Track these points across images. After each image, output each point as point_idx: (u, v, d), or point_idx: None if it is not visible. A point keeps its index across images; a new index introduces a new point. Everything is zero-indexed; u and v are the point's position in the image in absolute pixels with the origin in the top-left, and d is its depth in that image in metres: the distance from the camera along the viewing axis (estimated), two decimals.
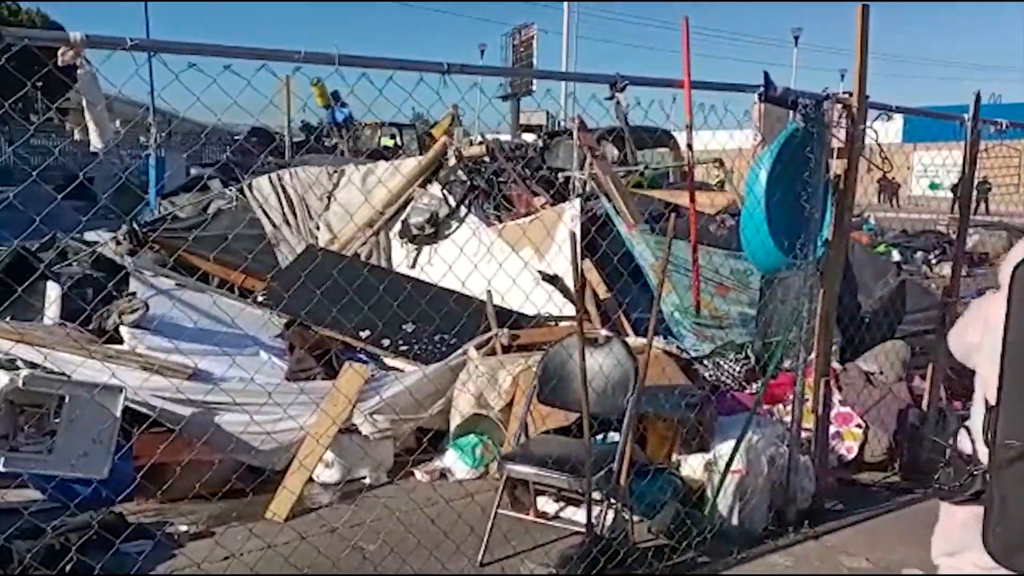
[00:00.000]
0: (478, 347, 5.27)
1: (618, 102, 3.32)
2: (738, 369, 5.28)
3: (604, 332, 4.02)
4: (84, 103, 2.27)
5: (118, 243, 6.04)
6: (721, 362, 5.36)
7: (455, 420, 4.89)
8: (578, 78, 3.47)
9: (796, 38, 42.58)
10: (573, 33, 28.93)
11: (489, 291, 5.48)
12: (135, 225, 6.13)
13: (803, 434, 4.43)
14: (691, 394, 4.36)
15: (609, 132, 7.56)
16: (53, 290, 5.25)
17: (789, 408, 5.05)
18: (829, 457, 4.71)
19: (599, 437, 4.24)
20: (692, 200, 4.97)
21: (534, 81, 19.58)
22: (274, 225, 6.61)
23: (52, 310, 5.20)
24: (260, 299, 5.90)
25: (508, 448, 4.19)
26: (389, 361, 5.49)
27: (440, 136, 11.20)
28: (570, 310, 5.82)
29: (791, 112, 4.05)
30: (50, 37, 2.22)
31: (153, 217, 6.78)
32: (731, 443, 4.13)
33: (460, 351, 5.24)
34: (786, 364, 5.14)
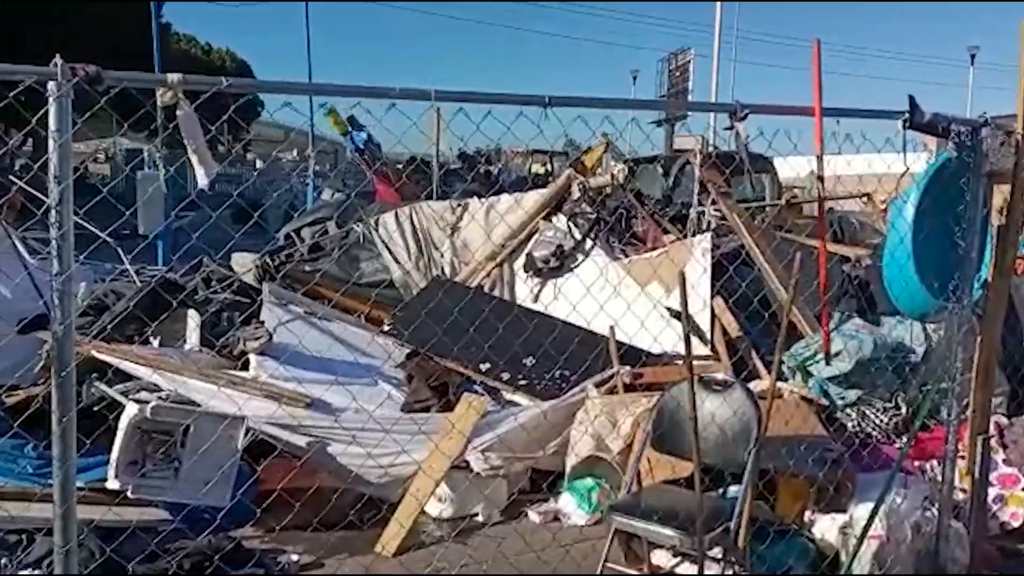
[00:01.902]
0: (598, 385, 5.08)
1: (737, 132, 3.08)
2: (886, 420, 4.78)
3: (722, 376, 3.74)
4: (185, 141, 2.32)
5: (257, 272, 6.30)
6: (867, 411, 4.87)
7: (571, 461, 4.71)
8: (696, 108, 3.24)
9: (972, 56, 39.35)
10: (727, 57, 28.09)
11: (612, 327, 5.29)
12: (266, 258, 6.38)
13: (958, 496, 3.95)
14: (825, 448, 3.98)
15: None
16: (193, 318, 5.51)
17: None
18: (990, 524, 4.18)
19: (719, 491, 3.95)
20: (822, 237, 4.57)
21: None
22: (396, 260, 6.70)
23: (192, 337, 5.45)
24: (386, 328, 5.97)
25: (620, 497, 3.97)
26: (507, 395, 5.40)
27: (591, 164, 11.09)
28: (702, 349, 5.54)
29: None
30: (148, 79, 2.28)
31: (280, 247, 7.05)
32: (870, 505, 3.73)
33: (579, 388, 5.08)
34: (943, 415, 4.65)
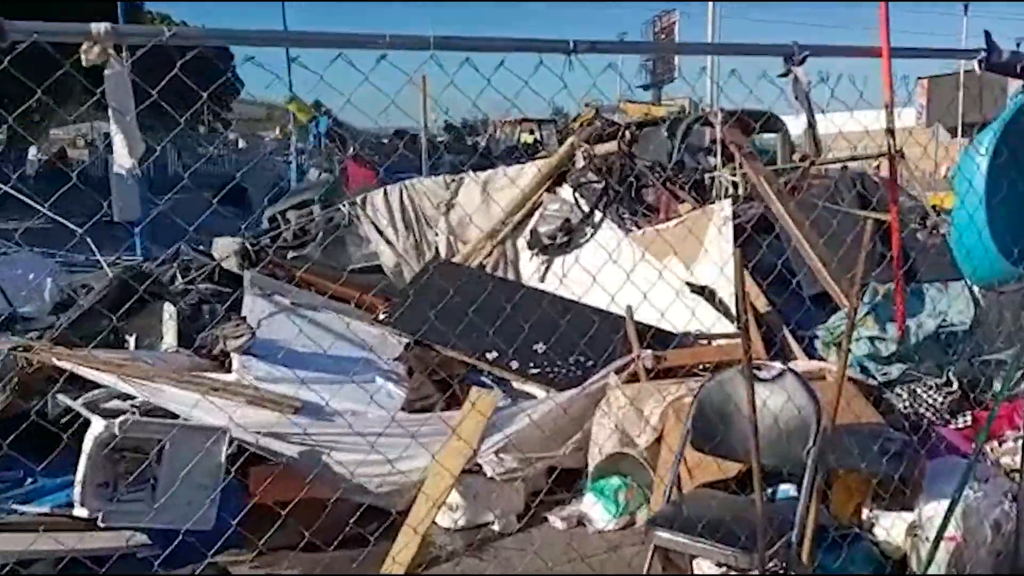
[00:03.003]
0: (618, 371, 4.61)
1: (796, 78, 2.58)
2: (940, 399, 4.32)
3: (778, 364, 3.27)
4: (110, 111, 1.81)
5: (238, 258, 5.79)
6: (918, 389, 4.39)
7: (594, 459, 4.26)
8: (741, 51, 2.74)
9: (966, 7, 38.31)
10: (719, 13, 27.21)
11: (629, 307, 4.80)
12: (247, 244, 5.87)
13: None
14: (886, 437, 3.52)
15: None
16: (169, 313, 5.01)
17: (1007, 446, 4.14)
18: None
19: (767, 491, 3.50)
20: (894, 202, 4.03)
21: (677, 67, 18.36)
22: (387, 242, 6.19)
23: (169, 335, 4.96)
24: (381, 318, 5.49)
25: (657, 502, 3.52)
26: (517, 386, 4.94)
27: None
28: (721, 326, 5.07)
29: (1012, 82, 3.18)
30: (66, 31, 1.76)
31: (263, 232, 6.57)
32: (940, 500, 3.28)
33: (598, 375, 4.61)
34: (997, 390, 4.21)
